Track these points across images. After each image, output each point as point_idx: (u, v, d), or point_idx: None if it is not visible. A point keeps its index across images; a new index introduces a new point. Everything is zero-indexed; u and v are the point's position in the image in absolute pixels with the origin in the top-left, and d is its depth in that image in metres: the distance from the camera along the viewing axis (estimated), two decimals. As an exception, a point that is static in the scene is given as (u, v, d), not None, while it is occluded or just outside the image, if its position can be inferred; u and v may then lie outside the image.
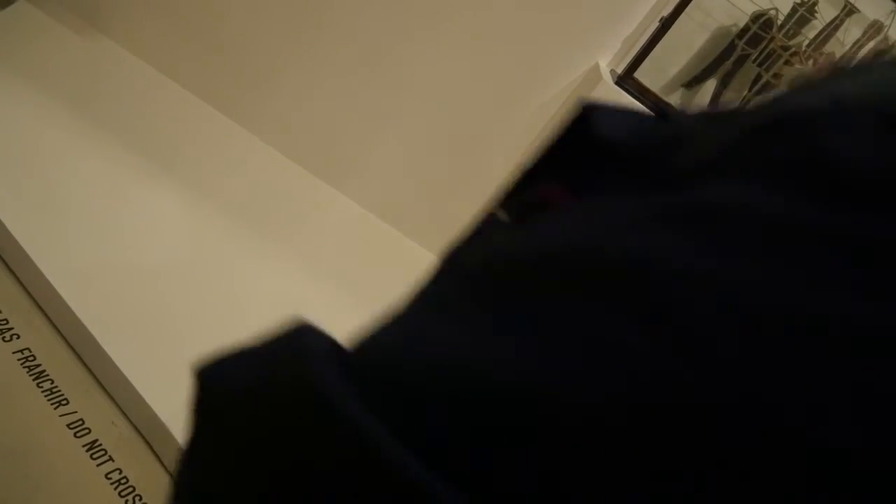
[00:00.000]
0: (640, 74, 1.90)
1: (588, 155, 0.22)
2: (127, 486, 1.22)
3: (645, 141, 0.22)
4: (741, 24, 1.93)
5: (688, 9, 1.84)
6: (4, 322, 1.34)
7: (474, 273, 0.20)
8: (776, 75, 1.96)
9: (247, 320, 1.69)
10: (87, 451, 1.23)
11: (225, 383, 0.19)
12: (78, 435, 1.24)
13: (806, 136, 0.17)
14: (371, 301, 1.87)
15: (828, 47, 1.92)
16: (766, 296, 0.15)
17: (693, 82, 2.00)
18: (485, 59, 2.04)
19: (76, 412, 1.27)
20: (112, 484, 1.21)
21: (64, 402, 1.27)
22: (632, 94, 1.87)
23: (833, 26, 1.91)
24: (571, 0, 1.95)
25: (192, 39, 2.11)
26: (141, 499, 1.22)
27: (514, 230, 0.22)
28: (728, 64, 1.97)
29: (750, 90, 1.99)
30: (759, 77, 1.97)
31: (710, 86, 2.00)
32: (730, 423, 0.14)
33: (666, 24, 1.85)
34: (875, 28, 1.89)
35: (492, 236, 0.23)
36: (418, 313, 0.20)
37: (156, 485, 1.26)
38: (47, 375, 1.29)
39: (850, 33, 1.91)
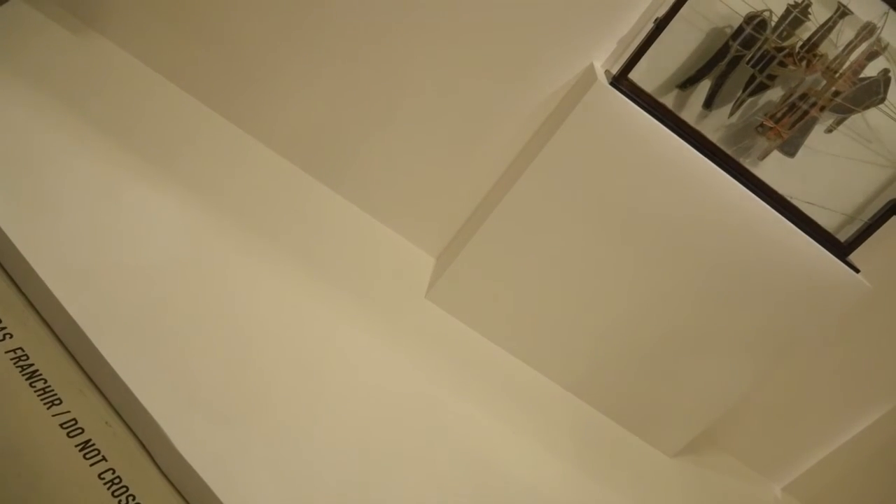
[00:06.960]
0: (635, 75, 1.91)
1: None
2: (120, 485, 1.22)
3: None
4: (735, 26, 1.94)
5: (682, 10, 1.84)
6: (-3, 321, 1.34)
7: None
8: (770, 76, 1.97)
9: (242, 320, 1.70)
10: (81, 450, 1.22)
11: None
12: (71, 435, 1.24)
13: None
14: (368, 300, 1.88)
15: (821, 49, 1.93)
16: None
17: (687, 83, 2.01)
18: (480, 59, 2.05)
19: (69, 412, 1.27)
20: (105, 484, 1.20)
21: (57, 401, 1.27)
22: (626, 94, 1.87)
23: (826, 28, 1.92)
24: (566, 1, 1.96)
25: (189, 38, 2.11)
26: (134, 499, 1.21)
27: None
28: (722, 65, 1.97)
29: (744, 91, 2.00)
30: (752, 78, 1.98)
31: (705, 87, 2.01)
32: None
33: (660, 25, 1.86)
34: (868, 30, 1.90)
35: None
36: None
37: (149, 485, 1.25)
38: (40, 375, 1.29)
39: (843, 35, 1.92)
